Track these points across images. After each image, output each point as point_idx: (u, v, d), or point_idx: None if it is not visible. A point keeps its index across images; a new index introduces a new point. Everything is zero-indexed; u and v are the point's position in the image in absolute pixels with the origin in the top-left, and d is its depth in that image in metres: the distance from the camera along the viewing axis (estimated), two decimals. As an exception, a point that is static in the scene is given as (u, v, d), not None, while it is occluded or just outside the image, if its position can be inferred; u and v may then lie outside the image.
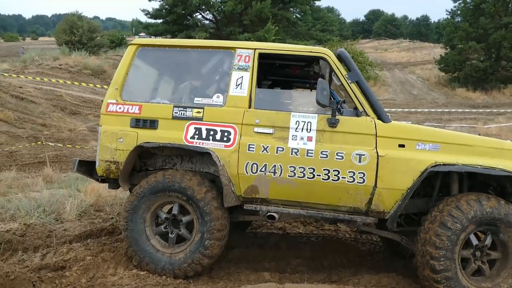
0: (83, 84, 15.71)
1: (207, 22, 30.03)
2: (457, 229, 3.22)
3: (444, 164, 3.34)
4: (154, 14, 28.85)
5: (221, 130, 3.58)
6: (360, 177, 3.39)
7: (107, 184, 4.10)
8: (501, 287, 3.26)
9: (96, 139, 3.78)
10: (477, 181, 3.69)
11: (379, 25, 73.08)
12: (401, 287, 3.53)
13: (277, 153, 3.46)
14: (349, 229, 5.11)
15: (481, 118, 17.91)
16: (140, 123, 3.67)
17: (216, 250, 3.54)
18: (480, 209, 3.23)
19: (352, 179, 3.40)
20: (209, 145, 3.56)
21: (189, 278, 3.53)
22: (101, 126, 3.76)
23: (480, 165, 3.34)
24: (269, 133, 3.52)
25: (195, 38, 24.69)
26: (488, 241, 3.33)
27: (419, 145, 3.42)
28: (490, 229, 3.31)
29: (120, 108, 3.74)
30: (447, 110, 20.42)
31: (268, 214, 3.54)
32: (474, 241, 3.33)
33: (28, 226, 4.53)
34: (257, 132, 3.53)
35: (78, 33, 29.98)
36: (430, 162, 3.35)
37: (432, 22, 77.59)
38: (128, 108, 3.72)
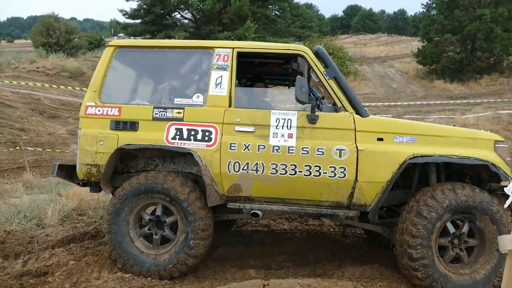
0: (62, 86, 15.44)
1: (186, 21, 29.80)
2: (433, 218, 3.32)
3: (421, 156, 3.43)
4: (132, 14, 28.46)
5: (202, 130, 3.58)
6: (341, 172, 3.44)
7: (88, 188, 4.06)
8: (479, 273, 3.37)
9: (76, 143, 3.73)
10: (454, 171, 3.79)
11: (357, 20, 73.68)
12: (384, 277, 3.60)
13: (258, 151, 3.48)
14: (333, 223, 5.18)
15: (459, 109, 18.28)
16: (120, 125, 3.65)
17: (201, 249, 3.55)
18: (455, 197, 3.33)
19: (333, 174, 3.45)
20: (190, 145, 3.56)
21: (174, 278, 3.54)
22: (80, 129, 3.72)
23: (456, 155, 3.44)
24: (250, 132, 3.54)
25: (174, 37, 24.50)
26: (465, 228, 3.43)
27: (397, 138, 3.50)
28: (466, 217, 3.40)
29: (99, 110, 3.70)
30: (426, 102, 20.78)
31: (252, 211, 3.57)
32: (451, 229, 3.43)
33: (8, 232, 4.45)
34: (238, 130, 3.55)
35: (55, 35, 29.33)
36: (408, 154, 3.43)
37: (409, 15, 78.69)
38: (107, 111, 3.69)
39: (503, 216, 3.35)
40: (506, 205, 2.50)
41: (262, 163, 3.47)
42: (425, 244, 3.31)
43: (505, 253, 2.38)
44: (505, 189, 2.42)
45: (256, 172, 3.48)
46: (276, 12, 31.50)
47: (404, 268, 3.44)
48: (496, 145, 3.57)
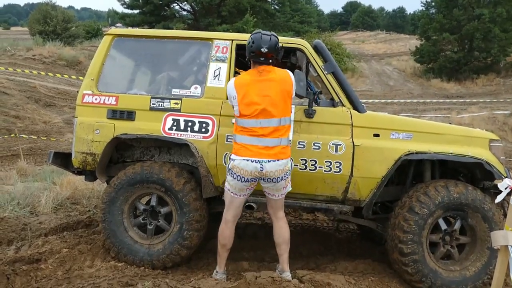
0: (58, 75, 15.31)
1: (184, 13, 29.63)
2: (424, 214, 3.34)
3: (417, 153, 3.45)
4: (131, 4, 28.24)
5: (199, 122, 3.58)
6: (336, 167, 3.46)
7: (83, 177, 4.05)
8: (469, 270, 3.40)
9: (72, 132, 3.72)
10: (449, 168, 3.81)
11: (356, 17, 73.58)
12: (377, 272, 3.63)
13: (255, 143, 3.47)
14: (327, 218, 5.21)
15: (455, 108, 18.37)
16: (117, 114, 3.64)
17: (195, 240, 3.56)
18: (447, 194, 3.35)
19: (328, 169, 3.46)
20: (187, 136, 3.57)
21: (167, 268, 3.55)
22: (76, 117, 3.71)
23: (451, 153, 3.46)
24: (247, 124, 3.52)
25: (172, 29, 24.35)
26: (457, 226, 3.46)
27: (393, 134, 3.51)
28: (458, 214, 3.43)
29: (96, 99, 3.69)
30: (422, 100, 20.86)
31: (247, 204, 3.58)
32: (443, 226, 3.46)
33: (1, 219, 4.44)
34: (235, 123, 3.54)
35: (52, 23, 29.04)
36: (404, 151, 3.44)
37: (408, 13, 78.69)
38: (104, 99, 3.68)
39: (495, 214, 3.37)
40: (497, 200, 2.52)
41: (258, 156, 3.47)
42: (416, 239, 3.34)
43: (497, 248, 2.42)
44: (498, 184, 2.45)
45: (252, 165, 3.48)
46: (275, 6, 31.41)
47: (395, 262, 3.47)
48: (491, 144, 3.59)
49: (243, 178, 3.05)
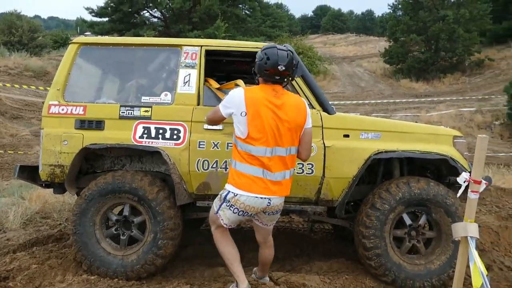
0: (25, 86, 14.88)
1: (155, 20, 29.39)
2: (385, 210, 3.44)
3: (385, 151, 3.53)
4: (99, 12, 27.81)
5: (170, 129, 3.56)
6: (308, 168, 3.50)
7: (52, 190, 3.95)
8: (434, 263, 3.49)
9: (39, 143, 3.63)
10: (417, 166, 3.92)
11: (326, 20, 74.68)
12: (351, 270, 3.69)
13: (227, 149, 3.49)
14: (301, 219, 5.25)
15: (424, 106, 18.92)
16: (85, 124, 3.58)
17: (169, 249, 3.52)
18: (408, 190, 3.45)
19: (301, 171, 3.50)
20: (158, 144, 3.53)
21: (142, 279, 3.49)
22: (43, 129, 3.62)
23: (418, 151, 3.56)
24: (219, 129, 3.54)
25: (143, 36, 24.10)
26: (422, 221, 3.56)
27: (362, 135, 3.59)
28: (422, 210, 3.54)
29: (63, 109, 3.61)
30: (392, 100, 21.36)
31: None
32: (408, 221, 3.56)
33: (-33, 238, 4.28)
34: (206, 129, 3.54)
35: (18, 33, 28.27)
36: (373, 150, 3.52)
37: (376, 16, 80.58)
38: (71, 109, 3.61)
39: (458, 208, 3.45)
40: (458, 194, 2.62)
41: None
42: (378, 234, 3.43)
43: (458, 240, 2.50)
44: (457, 179, 2.54)
45: (225, 170, 3.48)
46: (246, 11, 31.53)
47: (361, 257, 3.57)
48: (455, 140, 3.71)
49: (246, 213, 2.83)
